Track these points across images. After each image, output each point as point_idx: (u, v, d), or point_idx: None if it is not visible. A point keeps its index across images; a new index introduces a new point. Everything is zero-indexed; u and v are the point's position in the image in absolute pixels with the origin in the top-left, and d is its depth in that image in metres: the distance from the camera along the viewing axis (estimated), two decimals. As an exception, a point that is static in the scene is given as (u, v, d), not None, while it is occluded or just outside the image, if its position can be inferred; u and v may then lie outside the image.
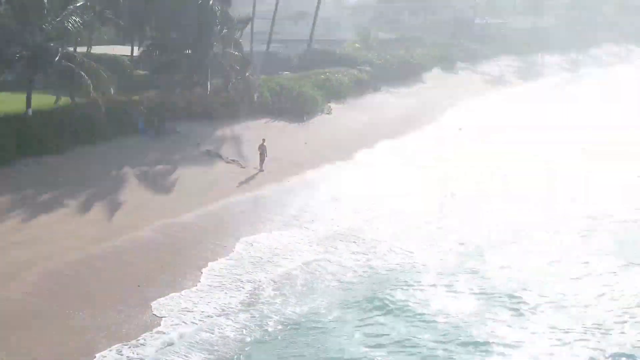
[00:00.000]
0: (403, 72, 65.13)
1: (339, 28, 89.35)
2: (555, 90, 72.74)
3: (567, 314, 19.46)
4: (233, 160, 35.27)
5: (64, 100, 34.76)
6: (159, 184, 30.55)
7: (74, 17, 31.20)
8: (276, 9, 57.84)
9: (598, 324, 18.73)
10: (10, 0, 31.64)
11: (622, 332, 18.31)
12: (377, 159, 38.63)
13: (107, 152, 33.21)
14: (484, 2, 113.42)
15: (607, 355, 17.20)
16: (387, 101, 56.47)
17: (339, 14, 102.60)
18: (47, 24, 31.40)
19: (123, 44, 50.38)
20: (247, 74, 41.10)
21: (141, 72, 43.97)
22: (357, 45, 70.82)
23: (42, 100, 33.71)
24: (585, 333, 18.31)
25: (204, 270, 22.77)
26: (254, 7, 55.16)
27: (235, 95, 40.89)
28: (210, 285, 21.78)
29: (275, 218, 28.17)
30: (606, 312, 19.53)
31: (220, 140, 38.44)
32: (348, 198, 30.99)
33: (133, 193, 28.97)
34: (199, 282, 21.98)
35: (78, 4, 31.94)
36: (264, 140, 34.93)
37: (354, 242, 25.81)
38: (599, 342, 17.84)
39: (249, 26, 47.60)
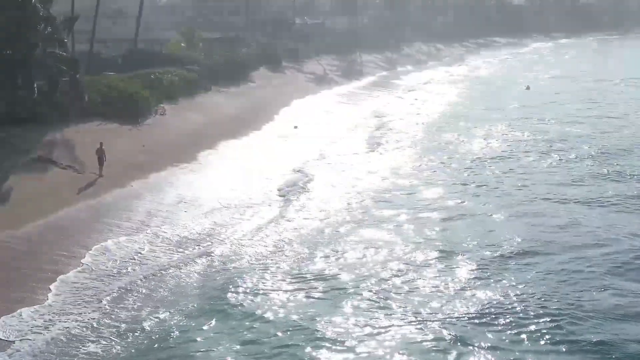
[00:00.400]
0: (231, 71, 64.79)
1: (159, 27, 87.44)
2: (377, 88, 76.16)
3: (418, 305, 20.33)
4: (68, 166, 33.21)
5: None
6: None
7: None
8: (98, 6, 55.22)
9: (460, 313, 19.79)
10: None
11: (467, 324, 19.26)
12: (221, 159, 38.12)
13: None
14: (302, 3, 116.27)
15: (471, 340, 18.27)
16: (219, 101, 56.03)
17: (156, 13, 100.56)
18: None
19: None
20: (77, 75, 38.94)
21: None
22: (182, 44, 69.52)
23: None
24: (444, 321, 19.21)
25: (53, 284, 21.46)
26: (72, 4, 52.39)
27: (65, 98, 38.55)
28: (63, 301, 20.56)
29: (123, 224, 27.06)
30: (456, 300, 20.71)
31: (51, 146, 36.00)
32: (197, 200, 30.39)
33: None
34: (50, 297, 20.70)
35: None
36: (101, 143, 33.29)
37: (208, 244, 25.46)
38: (462, 327, 18.89)
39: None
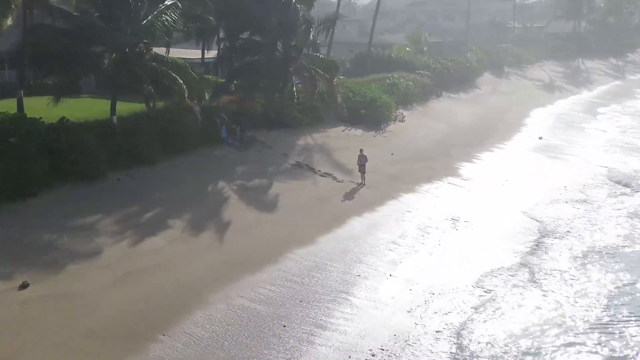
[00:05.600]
0: (458, 77, 62.04)
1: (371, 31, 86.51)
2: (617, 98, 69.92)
3: None
4: (327, 174, 31.99)
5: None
6: (260, 201, 27.23)
7: (164, 16, 27.76)
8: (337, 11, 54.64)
9: None
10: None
11: None
12: (483, 174, 35.16)
13: (197, 163, 30.00)
14: (520, 6, 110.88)
15: None
16: (452, 108, 53.48)
17: (369, 17, 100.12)
18: (133, 23, 28.08)
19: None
20: (334, 80, 38.03)
21: (209, 76, 40.49)
22: (407, 49, 67.63)
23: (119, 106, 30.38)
24: None
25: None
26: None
27: (321, 102, 37.76)
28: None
29: (399, 241, 24.89)
30: None
31: (305, 151, 35.24)
32: (471, 220, 27.70)
33: (237, 211, 25.65)
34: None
35: (168, 3, 28.41)
36: (361, 150, 31.73)
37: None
38: None
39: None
